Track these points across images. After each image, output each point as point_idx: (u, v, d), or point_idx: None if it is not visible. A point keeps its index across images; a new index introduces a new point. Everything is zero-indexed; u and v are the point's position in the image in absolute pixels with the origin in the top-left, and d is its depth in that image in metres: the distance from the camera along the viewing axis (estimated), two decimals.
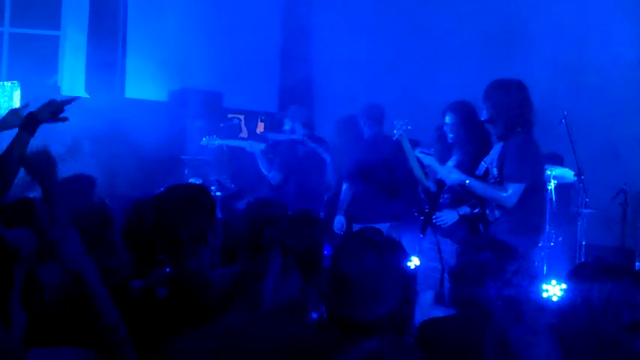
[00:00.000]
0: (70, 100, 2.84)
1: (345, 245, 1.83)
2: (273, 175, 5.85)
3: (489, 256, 2.40)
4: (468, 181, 3.89)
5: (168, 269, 2.01)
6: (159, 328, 1.76)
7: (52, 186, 2.16)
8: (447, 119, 4.63)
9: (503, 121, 3.83)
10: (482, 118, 3.99)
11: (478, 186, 3.87)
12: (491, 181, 3.89)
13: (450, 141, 4.70)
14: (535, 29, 6.95)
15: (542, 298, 4.52)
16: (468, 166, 4.46)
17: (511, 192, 3.70)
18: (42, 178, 2.16)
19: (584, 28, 6.76)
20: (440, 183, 4.64)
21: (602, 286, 1.87)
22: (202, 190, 2.20)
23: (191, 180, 6.39)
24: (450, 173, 4.07)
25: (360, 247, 1.77)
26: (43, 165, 2.17)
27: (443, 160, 4.54)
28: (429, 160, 4.38)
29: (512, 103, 3.79)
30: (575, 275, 1.98)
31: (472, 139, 4.55)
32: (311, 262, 2.43)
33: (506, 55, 7.18)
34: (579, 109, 5.89)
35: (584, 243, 5.67)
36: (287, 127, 5.96)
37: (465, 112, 4.58)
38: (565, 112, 5.32)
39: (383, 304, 1.68)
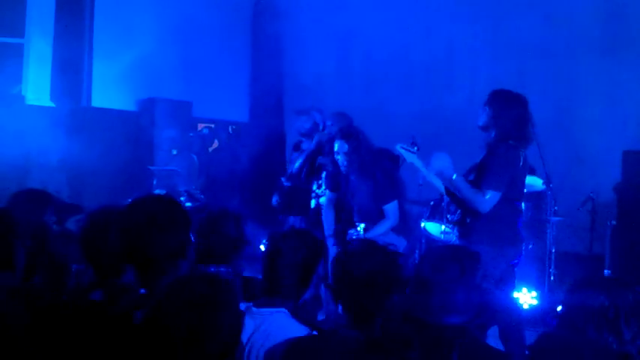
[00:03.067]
0: None
1: (431, 251, 2.00)
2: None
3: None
4: (454, 176, 3.70)
5: (142, 290, 1.88)
6: (135, 356, 1.62)
7: None
8: (337, 147, 4.45)
9: (496, 131, 3.72)
10: (479, 124, 3.82)
11: (460, 184, 3.71)
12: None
13: (345, 170, 4.50)
14: (504, 38, 7.05)
15: (515, 304, 4.48)
16: (366, 194, 4.44)
17: (488, 197, 3.62)
18: None
19: (550, 39, 6.87)
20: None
21: (613, 298, 1.87)
22: (174, 202, 2.07)
23: (157, 191, 6.27)
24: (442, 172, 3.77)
25: (443, 256, 1.91)
26: None
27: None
28: (411, 158, 3.95)
29: (511, 116, 3.66)
30: (582, 286, 1.96)
31: (368, 164, 4.45)
32: (305, 275, 2.39)
33: (474, 64, 7.27)
34: (544, 116, 5.93)
35: (553, 250, 5.71)
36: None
37: (357, 138, 4.44)
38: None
39: (457, 314, 1.77)
